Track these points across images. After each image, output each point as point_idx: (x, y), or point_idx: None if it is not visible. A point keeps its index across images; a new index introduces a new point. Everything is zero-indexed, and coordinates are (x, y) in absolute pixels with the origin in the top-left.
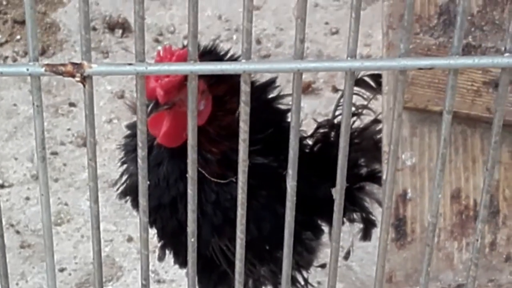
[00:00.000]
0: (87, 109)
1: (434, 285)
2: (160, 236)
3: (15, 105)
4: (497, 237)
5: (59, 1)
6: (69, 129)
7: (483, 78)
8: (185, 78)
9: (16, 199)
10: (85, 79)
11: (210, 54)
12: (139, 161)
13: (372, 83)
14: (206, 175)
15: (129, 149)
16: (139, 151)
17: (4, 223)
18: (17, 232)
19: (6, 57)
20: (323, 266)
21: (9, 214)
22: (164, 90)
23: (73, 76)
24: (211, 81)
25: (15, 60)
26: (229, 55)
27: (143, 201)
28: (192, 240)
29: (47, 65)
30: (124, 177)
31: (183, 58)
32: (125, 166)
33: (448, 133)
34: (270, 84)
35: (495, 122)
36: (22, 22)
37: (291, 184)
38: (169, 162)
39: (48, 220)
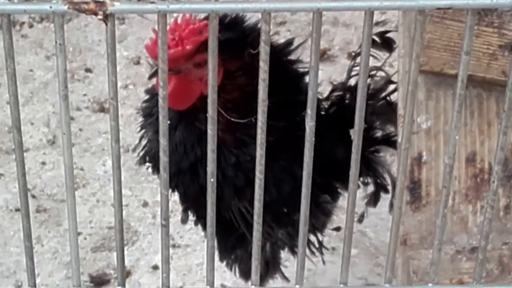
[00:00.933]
0: (109, 48)
1: (448, 248)
2: (183, 200)
3: (31, 70)
4: (510, 200)
5: None
6: (85, 95)
7: (499, 41)
8: (195, 50)
9: (32, 164)
10: (107, 17)
11: (235, 26)
12: (160, 100)
13: (379, 41)
14: (225, 115)
15: (148, 112)
16: (160, 90)
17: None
18: (33, 196)
19: (23, 23)
20: (337, 229)
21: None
22: (171, 58)
23: (96, 14)
24: (225, 56)
25: (31, 26)
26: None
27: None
28: (212, 180)
29: (70, 2)
30: (143, 142)
31: (197, 31)
32: (143, 131)
33: (465, 75)
34: (287, 45)
35: (509, 83)
36: None
37: (310, 124)
38: (183, 127)
39: (70, 160)
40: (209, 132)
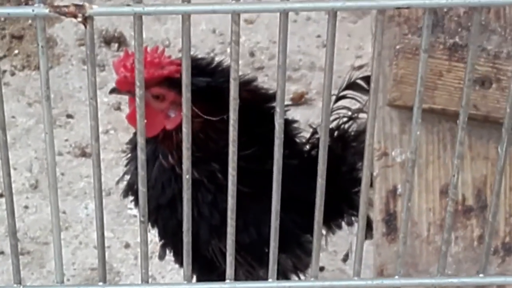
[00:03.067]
0: (89, 49)
1: (424, 277)
2: (161, 235)
3: (13, 117)
4: (485, 231)
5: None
6: (66, 140)
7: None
8: (151, 81)
9: (15, 208)
10: (87, 20)
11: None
12: (137, 99)
13: (365, 86)
14: (198, 112)
15: (134, 145)
16: (137, 90)
17: (3, 231)
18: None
19: (5, 71)
20: (321, 269)
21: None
22: (129, 80)
23: (75, 16)
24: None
25: (13, 74)
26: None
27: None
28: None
29: (52, 6)
30: (127, 176)
31: (158, 65)
32: (128, 165)
33: (424, 72)
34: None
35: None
36: (20, 37)
37: (279, 121)
38: (158, 164)
39: (53, 159)
40: (184, 150)
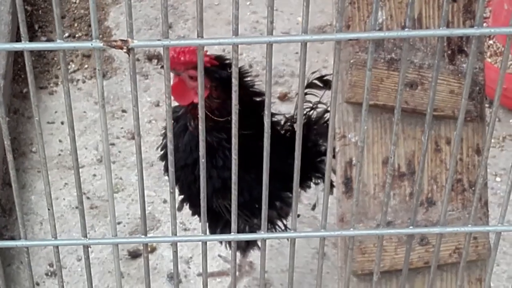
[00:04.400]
0: (131, 71)
1: (372, 223)
2: (180, 190)
3: (84, 112)
4: (413, 189)
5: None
6: (122, 128)
7: (402, 81)
8: (189, 63)
9: (86, 176)
10: (129, 51)
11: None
12: (166, 109)
13: (320, 84)
14: (208, 114)
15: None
16: (166, 100)
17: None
18: (88, 198)
19: (78, 80)
20: (298, 216)
21: (81, 186)
22: (173, 61)
23: (121, 48)
24: (213, 83)
25: (84, 82)
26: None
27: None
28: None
29: (104, 40)
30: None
31: (195, 52)
32: (164, 140)
33: (369, 83)
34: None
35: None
36: (88, 56)
37: (267, 121)
38: (187, 132)
39: (107, 147)
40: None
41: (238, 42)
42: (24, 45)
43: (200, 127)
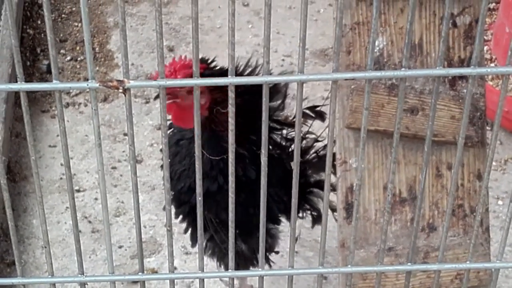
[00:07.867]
0: (127, 111)
1: (373, 248)
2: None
3: (86, 135)
4: (414, 214)
5: (115, 64)
6: (123, 151)
7: (404, 107)
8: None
9: (88, 199)
10: (126, 91)
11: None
12: (163, 141)
13: (311, 114)
14: (205, 153)
15: (171, 142)
16: (162, 128)
17: (80, 216)
18: (89, 221)
19: (80, 103)
20: (276, 252)
21: (83, 209)
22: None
23: (117, 88)
24: (211, 87)
25: (86, 105)
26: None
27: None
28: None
29: (101, 81)
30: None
31: (187, 66)
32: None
33: (365, 122)
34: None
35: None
36: None
37: (264, 160)
38: (191, 157)
39: (103, 177)
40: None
41: (235, 82)
42: (20, 85)
43: (196, 142)
